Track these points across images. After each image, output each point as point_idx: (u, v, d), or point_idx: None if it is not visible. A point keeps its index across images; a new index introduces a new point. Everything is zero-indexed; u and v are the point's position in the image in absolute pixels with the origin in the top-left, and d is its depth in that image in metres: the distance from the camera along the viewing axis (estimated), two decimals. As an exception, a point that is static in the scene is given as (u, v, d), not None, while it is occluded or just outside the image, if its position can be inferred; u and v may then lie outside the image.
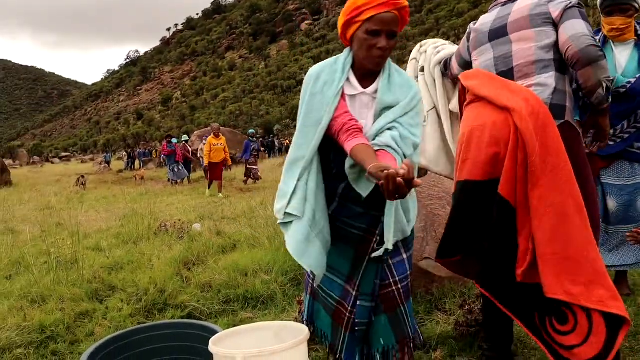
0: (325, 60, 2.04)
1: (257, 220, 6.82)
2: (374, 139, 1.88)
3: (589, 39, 2.28)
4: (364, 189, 1.87)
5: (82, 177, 18.67)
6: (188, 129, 76.13)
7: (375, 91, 1.96)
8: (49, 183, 20.64)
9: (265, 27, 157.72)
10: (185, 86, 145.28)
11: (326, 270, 2.01)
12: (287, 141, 41.37)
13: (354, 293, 2.01)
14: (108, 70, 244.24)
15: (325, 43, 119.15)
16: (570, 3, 2.40)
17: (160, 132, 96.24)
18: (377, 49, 1.88)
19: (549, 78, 2.38)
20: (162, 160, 30.48)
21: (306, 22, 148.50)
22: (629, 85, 3.08)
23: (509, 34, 2.52)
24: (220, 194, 12.66)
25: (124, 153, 43.12)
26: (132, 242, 5.84)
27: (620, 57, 3.21)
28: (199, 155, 18.10)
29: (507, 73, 2.47)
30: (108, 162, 37.66)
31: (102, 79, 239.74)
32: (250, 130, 18.25)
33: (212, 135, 13.60)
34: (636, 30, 3.26)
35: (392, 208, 1.90)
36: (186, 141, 18.50)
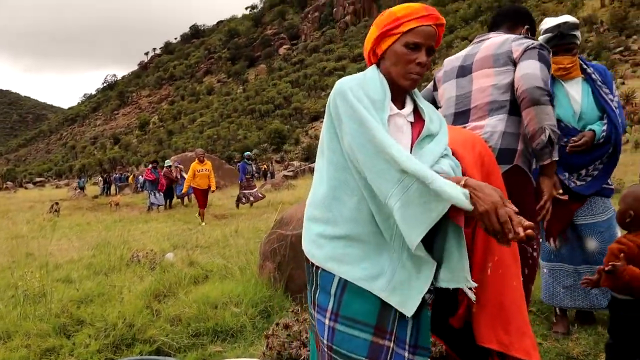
0: (350, 76, 1.82)
1: (230, 249, 6.82)
2: (430, 167, 1.70)
3: (538, 80, 2.30)
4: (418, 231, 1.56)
5: (56, 203, 18.44)
6: (165, 154, 75.75)
7: (410, 114, 1.83)
8: (21, 209, 20.34)
9: (243, 52, 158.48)
10: (163, 110, 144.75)
11: (342, 324, 1.71)
12: (265, 165, 41.37)
13: (391, 345, 1.69)
14: (85, 94, 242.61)
15: (303, 67, 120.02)
16: (532, 44, 2.42)
17: (137, 156, 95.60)
18: (416, 64, 1.73)
19: (499, 121, 2.39)
20: (138, 185, 30.27)
21: (284, 46, 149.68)
22: (604, 134, 3.14)
23: (473, 72, 2.56)
24: (204, 223, 12.24)
25: (100, 178, 42.71)
26: (104, 274, 5.78)
27: (573, 92, 3.28)
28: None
29: (465, 113, 2.52)
30: (82, 188, 37.19)
31: (78, 103, 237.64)
32: (247, 153, 17.92)
33: (196, 160, 13.10)
34: (581, 66, 3.34)
35: (459, 237, 1.72)
36: (169, 166, 18.41)
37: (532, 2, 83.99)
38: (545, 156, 2.31)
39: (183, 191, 13.58)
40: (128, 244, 7.94)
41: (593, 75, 3.30)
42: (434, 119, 1.85)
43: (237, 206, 15.93)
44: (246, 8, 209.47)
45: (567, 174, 3.21)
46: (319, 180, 1.82)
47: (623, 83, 39.08)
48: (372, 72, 1.82)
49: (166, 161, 20.16)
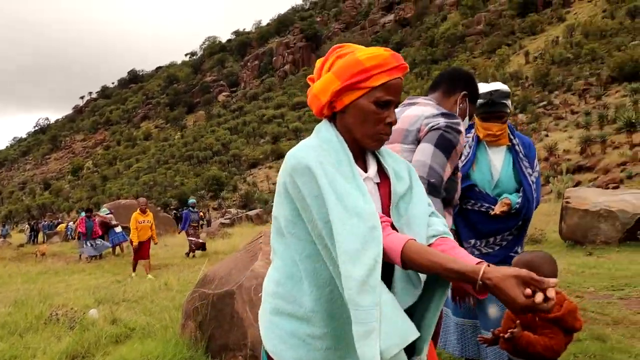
0: (303, 144, 1.54)
1: (157, 305, 6.67)
2: (425, 234, 1.58)
3: (423, 169, 2.28)
4: (409, 299, 1.51)
5: (-24, 254, 17.55)
6: (99, 200, 73.64)
7: (375, 174, 1.61)
8: (-63, 261, 19.17)
9: (182, 98, 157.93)
10: (98, 155, 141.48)
11: None
12: (202, 213, 40.84)
13: None
14: (14, 137, 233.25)
15: (242, 114, 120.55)
16: (438, 124, 2.36)
17: (68, 202, 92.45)
18: (385, 124, 1.53)
19: None
20: (68, 234, 29.17)
21: (223, 93, 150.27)
22: (517, 206, 3.18)
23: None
24: (150, 275, 11.44)
25: (27, 225, 40.90)
26: (19, 334, 5.52)
27: (495, 159, 3.31)
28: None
29: None
30: (5, 236, 35.41)
31: (7, 146, 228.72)
32: (191, 201, 17.27)
33: (138, 211, 12.23)
34: (508, 135, 3.37)
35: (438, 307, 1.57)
36: (106, 214, 17.98)
37: (463, 57, 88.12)
38: None
39: (135, 244, 12.54)
40: (50, 299, 7.63)
41: (517, 147, 3.34)
42: (401, 173, 1.64)
43: (194, 255, 15.59)
44: (186, 55, 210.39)
45: (472, 241, 3.28)
46: (283, 268, 1.57)
47: (547, 135, 41.19)
48: (327, 131, 1.58)
49: (102, 209, 19.65)
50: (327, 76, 1.55)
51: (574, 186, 23.34)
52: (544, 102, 53.68)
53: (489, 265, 1.31)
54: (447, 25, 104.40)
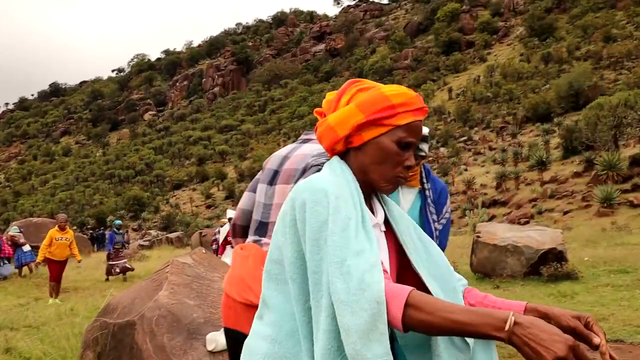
0: (318, 177, 1.36)
1: (60, 331, 6.40)
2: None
3: None
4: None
5: None
6: (10, 217, 69.84)
7: (385, 220, 1.49)
8: None
9: (106, 114, 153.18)
10: (11, 170, 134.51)
11: None
12: (120, 234, 39.47)
13: None
14: None
15: (168, 135, 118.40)
16: (316, 162, 2.31)
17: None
18: (404, 167, 1.40)
19: None
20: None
21: (150, 112, 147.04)
22: None
23: (277, 184, 2.41)
24: (57, 299, 10.81)
25: None
26: None
27: (404, 200, 3.26)
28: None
29: (266, 226, 2.43)
30: None
31: None
32: (117, 222, 16.44)
33: (56, 227, 11.46)
34: (422, 177, 3.33)
35: None
36: (19, 232, 17.11)
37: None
38: None
39: (38, 260, 11.90)
40: (-59, 324, 7.16)
41: (427, 192, 3.31)
42: (401, 221, 1.51)
43: (107, 279, 15.04)
44: (112, 70, 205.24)
45: None
46: (280, 322, 1.37)
47: (466, 169, 42.88)
48: (342, 168, 1.41)
49: (12, 227, 18.66)
50: (349, 107, 1.40)
51: (489, 220, 24.36)
52: (465, 137, 55.94)
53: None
54: (376, 58, 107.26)
